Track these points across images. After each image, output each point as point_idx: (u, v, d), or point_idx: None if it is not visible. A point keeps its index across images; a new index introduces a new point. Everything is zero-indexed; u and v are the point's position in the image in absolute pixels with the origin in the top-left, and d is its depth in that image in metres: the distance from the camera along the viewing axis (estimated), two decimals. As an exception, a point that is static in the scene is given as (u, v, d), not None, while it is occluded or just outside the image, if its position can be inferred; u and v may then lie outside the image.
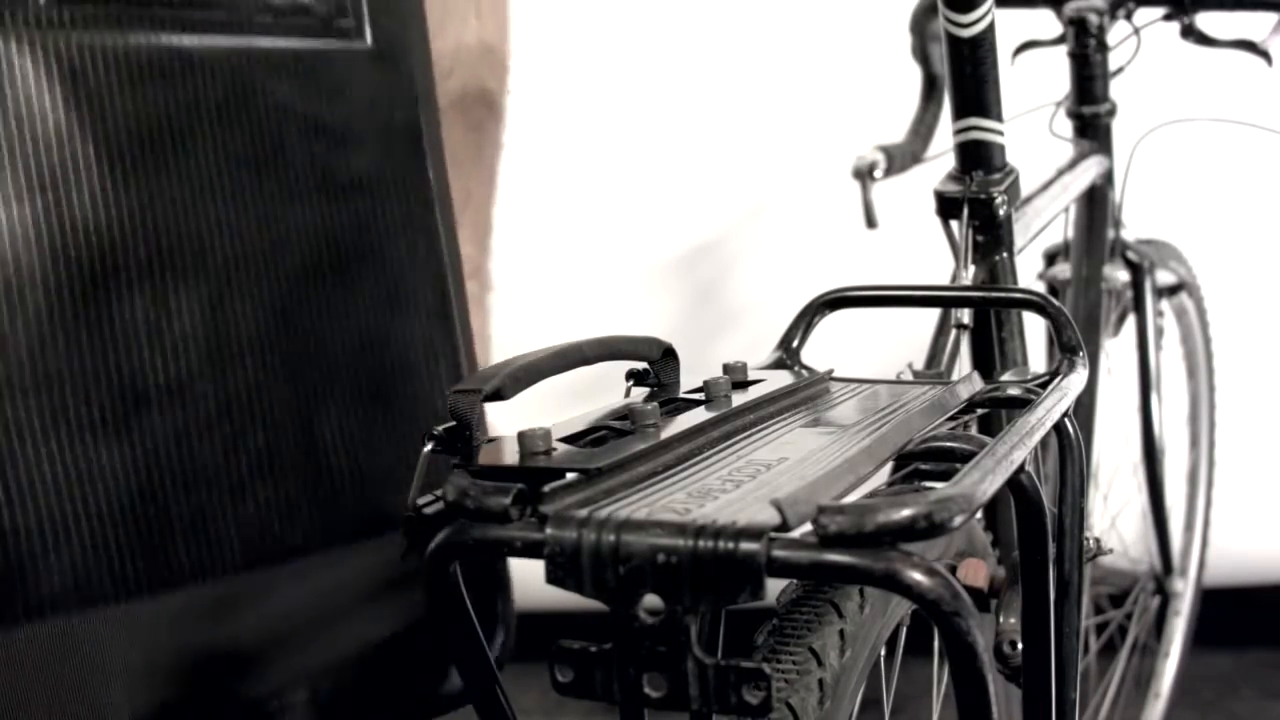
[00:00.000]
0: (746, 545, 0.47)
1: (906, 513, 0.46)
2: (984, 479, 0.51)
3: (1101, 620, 1.82)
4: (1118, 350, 1.68)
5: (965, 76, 0.94)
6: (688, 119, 2.17)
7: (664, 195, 2.19)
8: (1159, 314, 1.65)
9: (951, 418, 0.72)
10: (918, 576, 0.46)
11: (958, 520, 0.47)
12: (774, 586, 0.68)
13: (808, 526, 0.48)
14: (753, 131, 2.18)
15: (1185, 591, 2.01)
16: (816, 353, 0.83)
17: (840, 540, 0.46)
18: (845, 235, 1.76)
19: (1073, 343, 0.78)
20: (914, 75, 1.51)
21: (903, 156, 1.50)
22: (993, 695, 0.50)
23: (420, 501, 0.57)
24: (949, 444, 0.63)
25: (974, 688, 0.50)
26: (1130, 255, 1.57)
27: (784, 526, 0.47)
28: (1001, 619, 0.91)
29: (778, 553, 0.47)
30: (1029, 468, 0.64)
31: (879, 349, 1.57)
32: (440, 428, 0.60)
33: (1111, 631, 1.84)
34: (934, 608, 0.47)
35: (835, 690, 0.64)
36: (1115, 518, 1.86)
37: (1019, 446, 0.58)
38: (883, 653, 0.77)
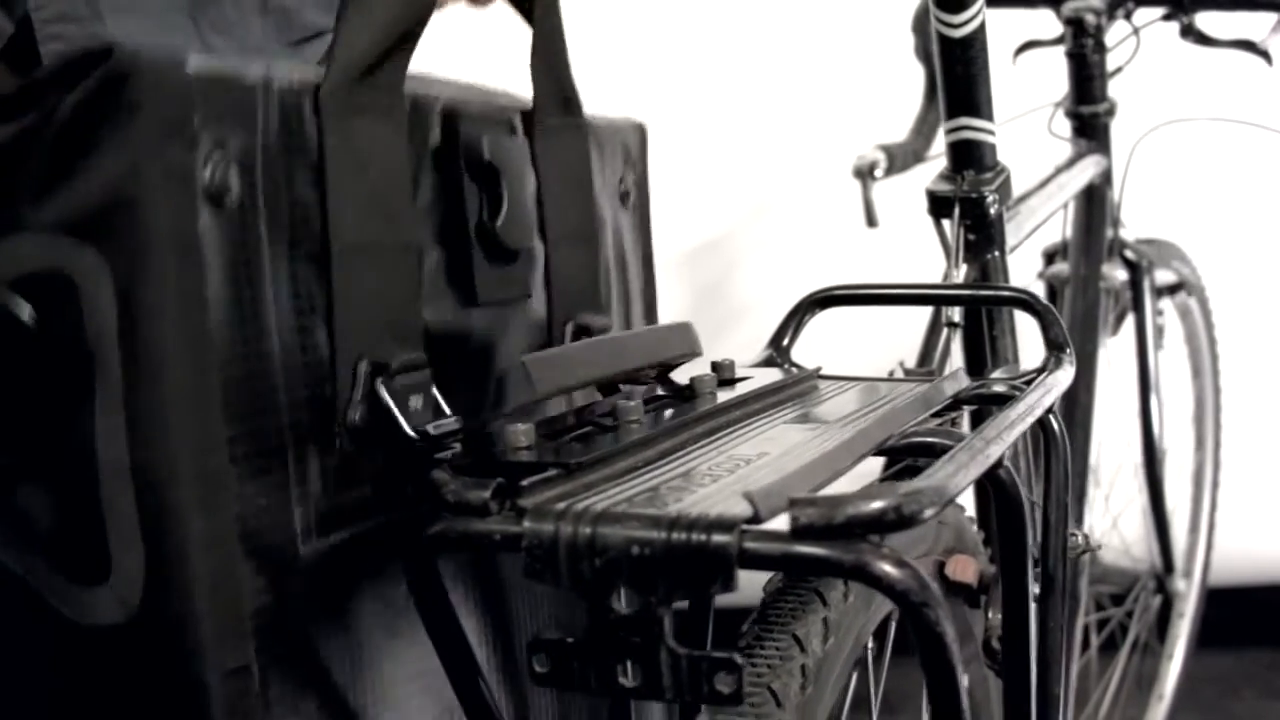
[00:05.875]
0: (719, 537, 0.47)
1: (877, 505, 0.47)
2: (957, 472, 0.52)
3: (1102, 617, 1.82)
4: (1120, 350, 1.68)
5: (956, 77, 0.95)
6: (691, 116, 2.18)
7: (667, 193, 2.20)
8: (1158, 313, 1.66)
9: (938, 414, 0.73)
10: (887, 568, 0.47)
11: (928, 513, 0.48)
12: (762, 577, 0.69)
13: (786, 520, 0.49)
14: (757, 129, 2.19)
15: (1189, 593, 2.00)
16: (814, 352, 0.84)
17: (811, 532, 0.47)
18: (850, 234, 1.77)
19: (1060, 340, 0.79)
20: (918, 75, 1.51)
21: (904, 156, 1.50)
22: (962, 685, 0.51)
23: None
24: (928, 439, 0.64)
25: (943, 677, 0.50)
26: (1129, 254, 1.57)
27: (755, 519, 0.48)
28: (990, 615, 0.91)
29: (749, 544, 0.47)
30: (1009, 462, 0.65)
31: (876, 348, 1.57)
32: (431, 424, 0.61)
33: (1112, 629, 1.84)
34: (903, 599, 0.47)
35: (818, 676, 0.65)
36: (1117, 518, 1.86)
37: (996, 441, 0.58)
38: (870, 644, 0.77)
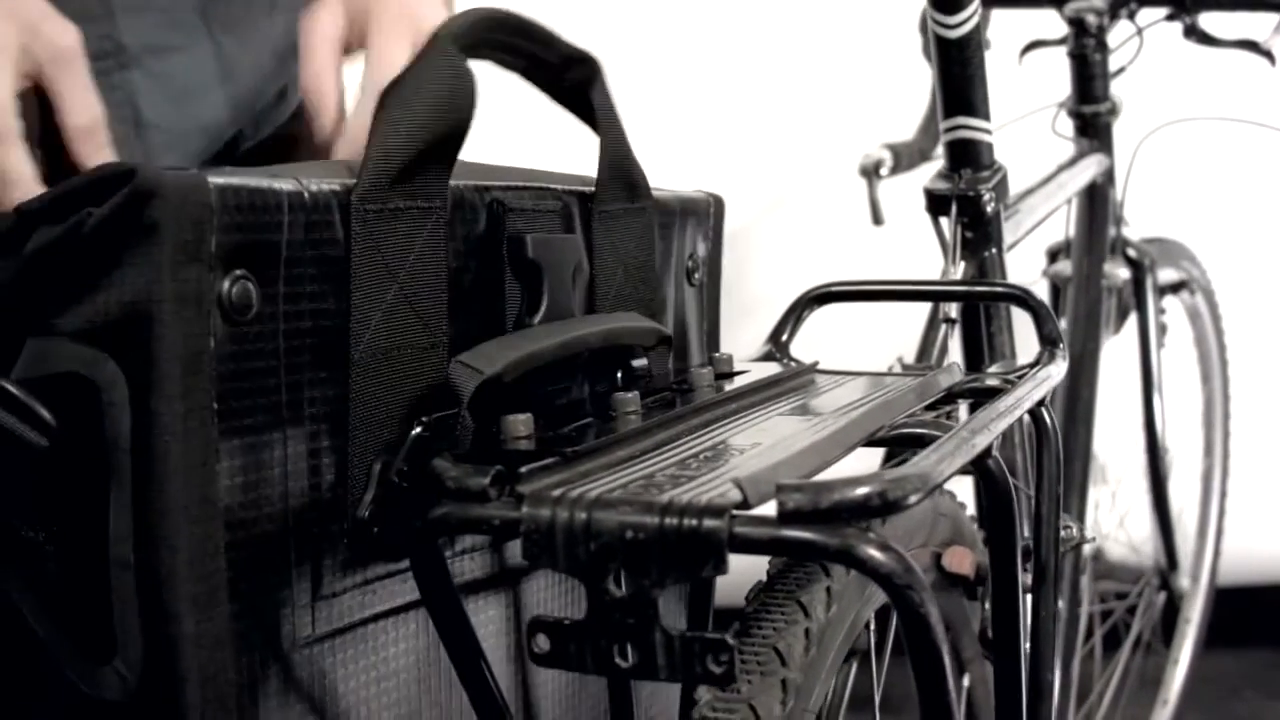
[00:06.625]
0: (709, 522, 0.49)
1: (861, 491, 0.48)
2: (942, 460, 0.53)
3: (1105, 609, 1.83)
4: (1130, 348, 1.69)
5: (953, 76, 0.96)
6: (703, 112, 2.19)
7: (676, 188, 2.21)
8: (1161, 311, 1.67)
9: (932, 407, 0.74)
10: (872, 551, 0.49)
11: (912, 498, 0.49)
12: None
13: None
14: (771, 125, 2.20)
15: (1196, 598, 1.99)
16: (816, 348, 0.85)
17: (798, 517, 0.48)
18: (864, 231, 1.78)
19: (1053, 335, 0.80)
20: (926, 75, 1.52)
21: (910, 154, 1.52)
22: (948, 667, 0.53)
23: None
24: (918, 430, 0.66)
25: (928, 660, 0.52)
26: (1131, 253, 1.58)
27: (745, 504, 0.50)
28: (987, 606, 0.93)
29: (739, 529, 0.49)
30: (997, 452, 0.66)
31: (876, 344, 1.59)
32: (434, 415, 0.62)
33: (1115, 622, 1.84)
34: (887, 581, 0.49)
35: (821, 640, 0.67)
36: (1124, 516, 1.87)
37: (983, 432, 0.60)
38: (871, 624, 0.79)
